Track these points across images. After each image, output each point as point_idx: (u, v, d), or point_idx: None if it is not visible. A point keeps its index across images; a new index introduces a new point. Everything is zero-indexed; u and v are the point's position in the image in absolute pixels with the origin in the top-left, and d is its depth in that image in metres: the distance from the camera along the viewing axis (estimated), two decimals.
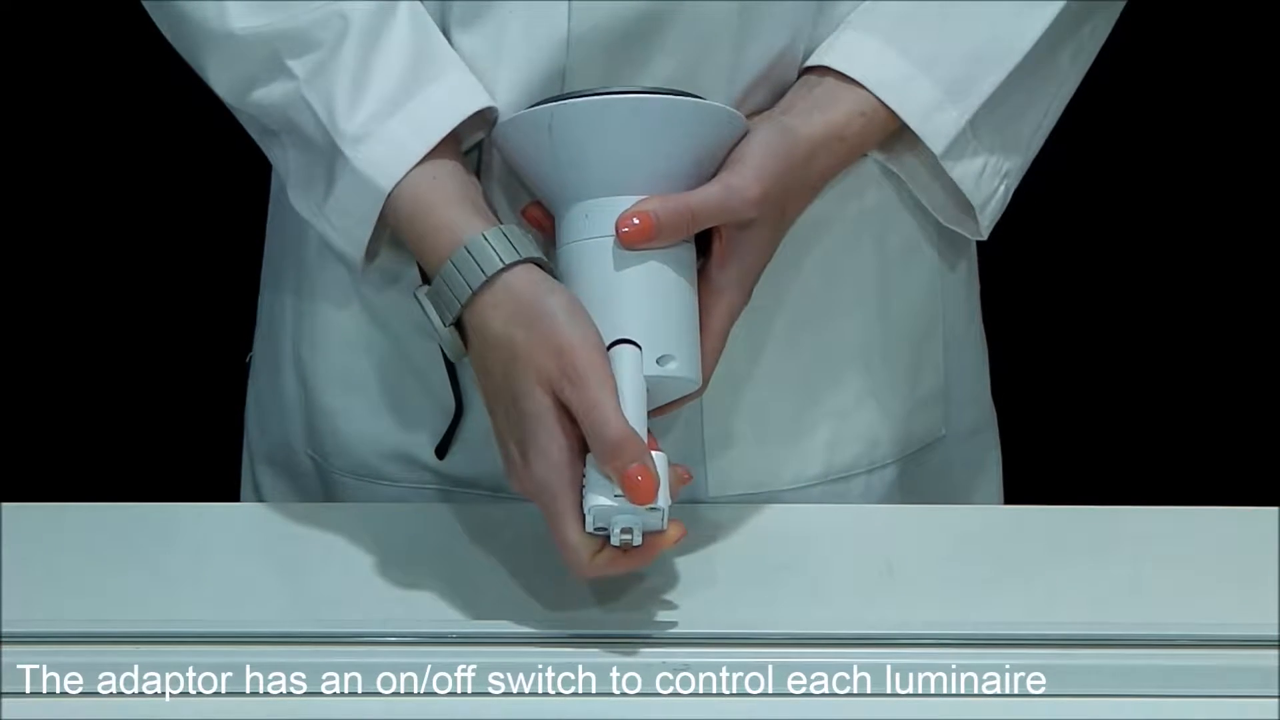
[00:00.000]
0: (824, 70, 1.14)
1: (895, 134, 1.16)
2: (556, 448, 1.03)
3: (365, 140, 1.10)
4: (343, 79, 1.10)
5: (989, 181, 1.17)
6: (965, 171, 1.16)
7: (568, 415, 1.03)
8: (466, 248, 1.07)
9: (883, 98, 1.13)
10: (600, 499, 1.01)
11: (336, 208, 1.12)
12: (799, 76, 1.15)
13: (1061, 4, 1.15)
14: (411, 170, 1.09)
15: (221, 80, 1.15)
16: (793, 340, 1.20)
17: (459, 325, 1.08)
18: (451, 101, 1.10)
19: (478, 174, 1.15)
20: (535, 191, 1.11)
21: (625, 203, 1.07)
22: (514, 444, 1.05)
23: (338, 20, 1.11)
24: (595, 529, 1.02)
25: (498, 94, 1.12)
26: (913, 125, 1.14)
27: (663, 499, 1.01)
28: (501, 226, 1.08)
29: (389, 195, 1.09)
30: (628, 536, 1.02)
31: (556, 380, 1.03)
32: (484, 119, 1.13)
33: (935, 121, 1.14)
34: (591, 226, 1.07)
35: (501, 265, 1.06)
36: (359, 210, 1.11)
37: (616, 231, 1.06)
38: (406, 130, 1.10)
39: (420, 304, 1.09)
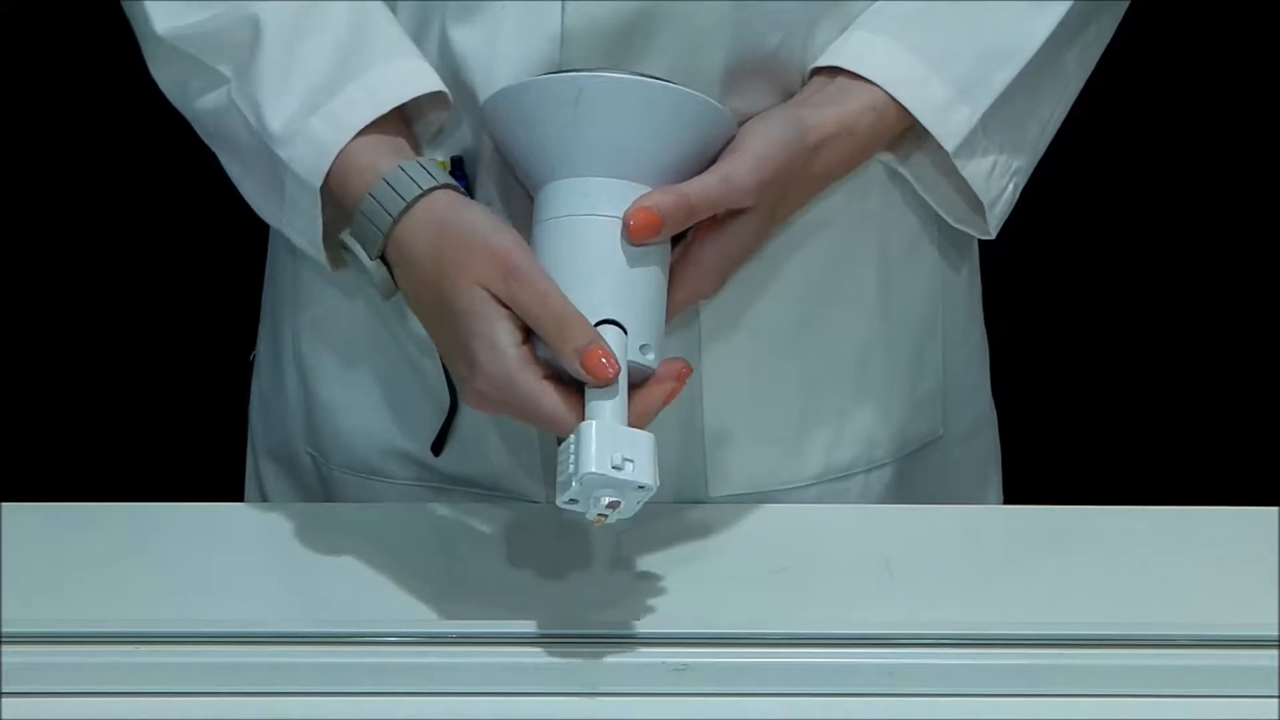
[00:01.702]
0: (835, 71, 1.14)
1: (903, 133, 1.16)
2: (501, 331, 1.03)
3: (292, 140, 1.10)
4: (266, 80, 1.11)
5: (999, 180, 1.17)
6: (976, 170, 1.16)
7: (506, 307, 1.03)
8: (385, 179, 1.07)
9: (896, 95, 1.13)
10: (589, 469, 0.99)
11: (292, 208, 1.12)
12: (810, 76, 1.15)
13: (1070, 3, 1.15)
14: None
15: (164, 86, 1.16)
16: (794, 340, 1.20)
17: (385, 262, 1.08)
18: (375, 96, 1.10)
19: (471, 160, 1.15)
20: (523, 160, 1.10)
21: (624, 186, 1.06)
22: (460, 359, 1.04)
23: (249, 23, 1.11)
24: (568, 501, 1.00)
25: (493, 90, 1.12)
26: (925, 123, 1.14)
27: (652, 479, 1.00)
28: (419, 159, 1.08)
29: (327, 174, 1.09)
30: (607, 514, 1.00)
31: (496, 281, 1.03)
32: (440, 102, 1.12)
33: (948, 120, 1.14)
34: (590, 203, 1.06)
35: (420, 191, 1.06)
36: (305, 206, 1.11)
37: (624, 226, 1.05)
38: (326, 127, 1.09)
39: (345, 245, 1.08)
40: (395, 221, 1.06)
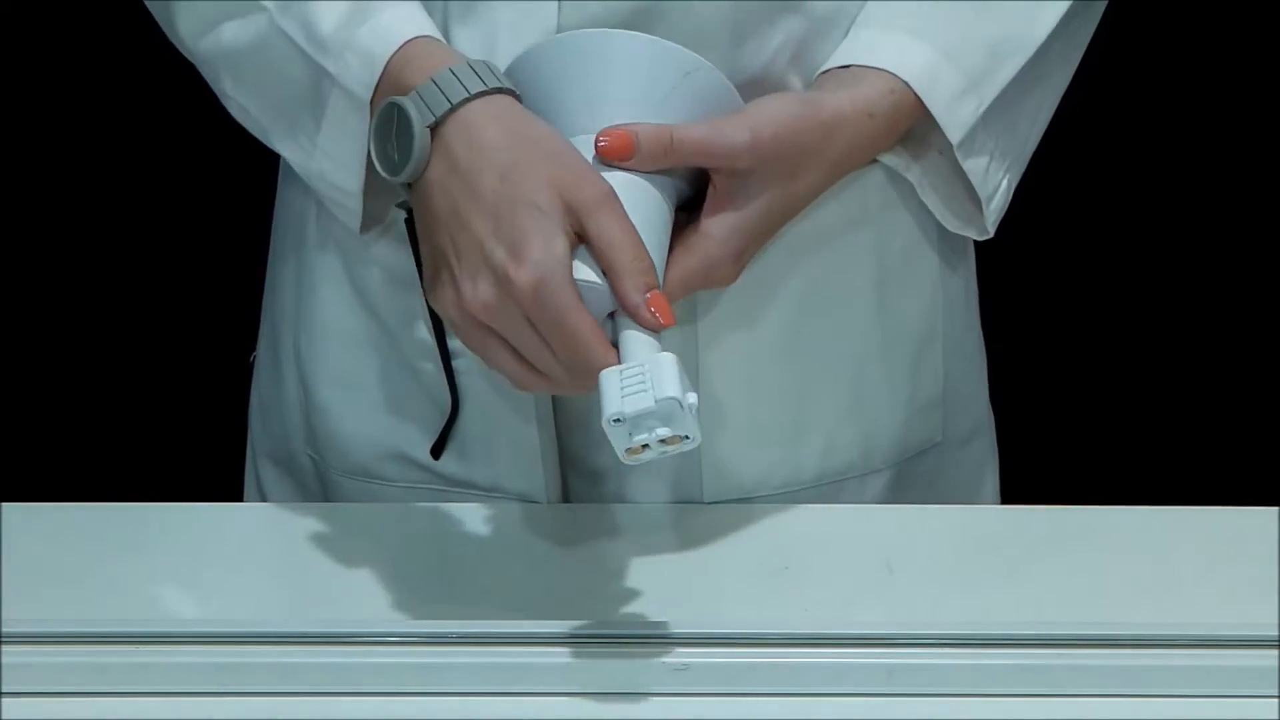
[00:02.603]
0: (847, 67, 1.14)
1: (904, 135, 1.16)
2: (559, 239, 1.01)
3: (341, 53, 1.09)
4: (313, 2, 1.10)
5: (994, 175, 1.17)
6: (975, 165, 1.16)
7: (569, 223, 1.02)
8: (469, 63, 1.06)
9: (911, 83, 1.12)
10: (670, 393, 0.97)
11: (332, 133, 1.11)
12: (818, 76, 1.15)
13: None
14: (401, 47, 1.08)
15: (189, 24, 1.15)
16: (789, 344, 1.19)
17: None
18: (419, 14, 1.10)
19: None
20: (571, 109, 1.08)
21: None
22: (503, 248, 1.01)
23: None
24: (615, 420, 0.97)
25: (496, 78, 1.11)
26: (936, 112, 1.13)
27: (681, 393, 0.98)
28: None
29: (389, 60, 1.07)
30: (649, 445, 0.98)
31: (575, 192, 1.02)
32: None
33: (956, 110, 1.14)
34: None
35: (500, 85, 1.06)
36: (352, 126, 1.10)
37: (595, 143, 1.05)
38: (376, 38, 1.08)
39: (401, 108, 1.05)
40: (470, 99, 1.05)
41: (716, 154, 1.08)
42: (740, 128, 1.08)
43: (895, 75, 1.13)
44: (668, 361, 0.99)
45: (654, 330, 1.01)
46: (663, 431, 0.98)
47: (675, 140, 1.06)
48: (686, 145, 1.07)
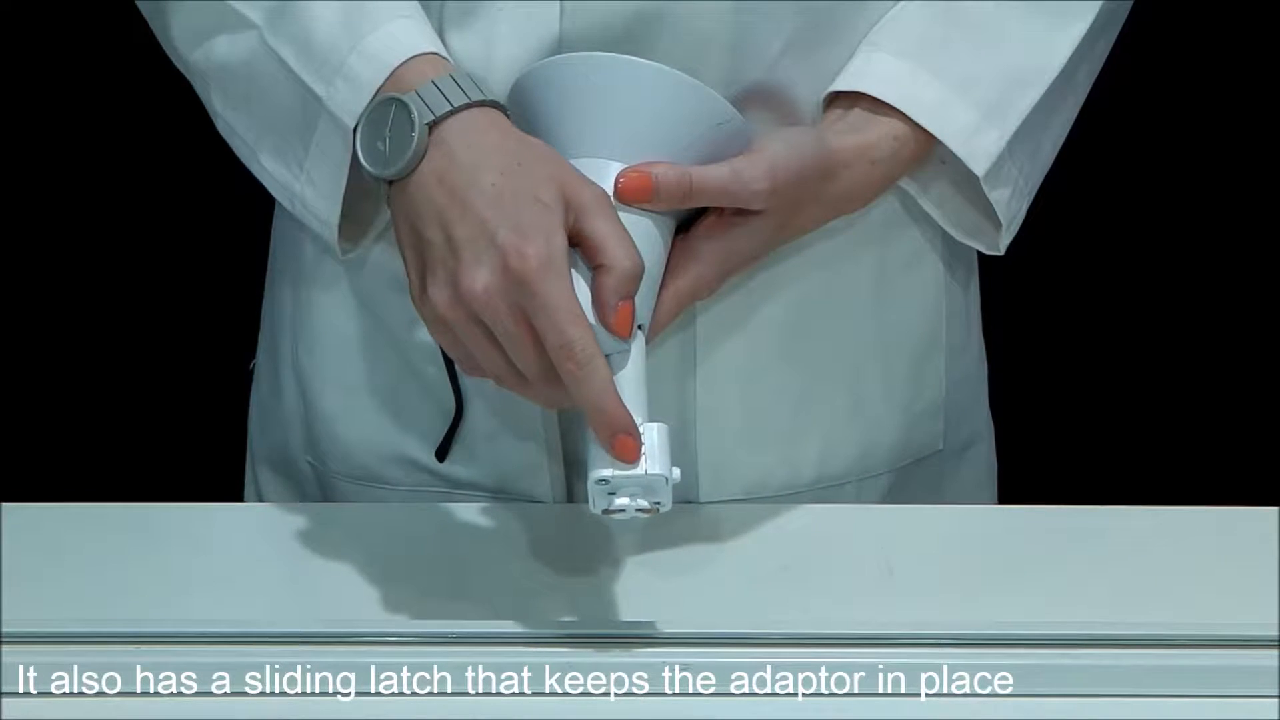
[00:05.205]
0: (854, 97, 1.14)
1: (923, 158, 1.16)
2: (559, 233, 1.01)
3: (331, 78, 1.09)
4: (303, 18, 1.10)
5: (1017, 200, 1.17)
6: (1000, 195, 1.16)
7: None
8: (468, 74, 1.06)
9: (921, 121, 1.13)
10: (657, 470, 1.00)
11: (319, 158, 1.11)
12: (831, 98, 1.15)
13: (1090, 21, 1.15)
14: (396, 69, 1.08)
15: (184, 38, 1.15)
16: (787, 347, 1.19)
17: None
18: (413, 34, 1.09)
19: None
20: (578, 136, 1.08)
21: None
22: (509, 230, 1.00)
23: None
24: (599, 481, 1.00)
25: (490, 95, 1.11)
26: (955, 148, 1.13)
27: (668, 470, 1.00)
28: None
29: (378, 87, 1.07)
30: (622, 509, 1.01)
31: (577, 192, 1.02)
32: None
33: (976, 144, 1.14)
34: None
35: (494, 100, 1.06)
36: (335, 153, 1.10)
37: (615, 184, 1.05)
38: (366, 64, 1.08)
39: (401, 102, 1.04)
40: (470, 105, 1.05)
41: (736, 199, 1.08)
42: (761, 175, 1.07)
43: (900, 115, 1.13)
44: (660, 433, 1.01)
45: (612, 333, 1.01)
46: (642, 502, 1.01)
47: (695, 186, 1.06)
48: (707, 191, 1.07)
